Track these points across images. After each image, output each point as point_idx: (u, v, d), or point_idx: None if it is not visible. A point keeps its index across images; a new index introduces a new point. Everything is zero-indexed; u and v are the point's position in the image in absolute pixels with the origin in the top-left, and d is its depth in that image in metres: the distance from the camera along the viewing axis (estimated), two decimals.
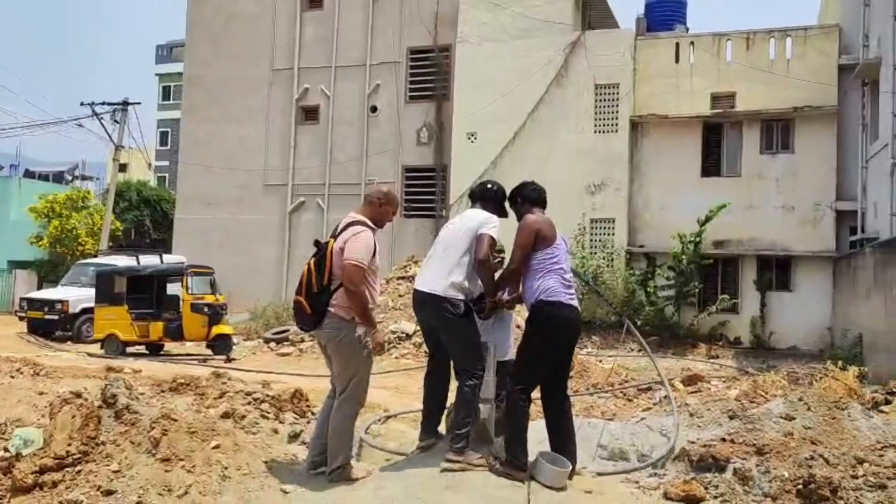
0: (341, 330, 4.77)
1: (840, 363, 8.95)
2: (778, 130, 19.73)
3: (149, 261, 18.07)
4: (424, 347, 15.01)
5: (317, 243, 4.98)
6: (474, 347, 4.96)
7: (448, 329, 4.98)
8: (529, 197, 5.16)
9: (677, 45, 20.37)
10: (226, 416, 6.12)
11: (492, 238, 4.94)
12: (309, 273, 4.84)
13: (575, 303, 4.90)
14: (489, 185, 5.40)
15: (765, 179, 19.65)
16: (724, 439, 5.28)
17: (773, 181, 19.58)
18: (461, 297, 4.94)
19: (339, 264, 4.76)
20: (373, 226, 4.91)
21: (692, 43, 20.38)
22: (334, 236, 4.94)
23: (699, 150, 20.14)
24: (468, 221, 5.09)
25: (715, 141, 20.29)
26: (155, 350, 16.10)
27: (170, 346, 16.53)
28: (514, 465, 4.73)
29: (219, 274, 17.14)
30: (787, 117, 19.44)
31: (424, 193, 23.10)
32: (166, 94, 55.06)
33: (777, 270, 19.68)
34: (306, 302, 4.81)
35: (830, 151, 19.14)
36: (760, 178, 19.67)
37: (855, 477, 4.69)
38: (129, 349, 15.51)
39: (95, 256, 24.56)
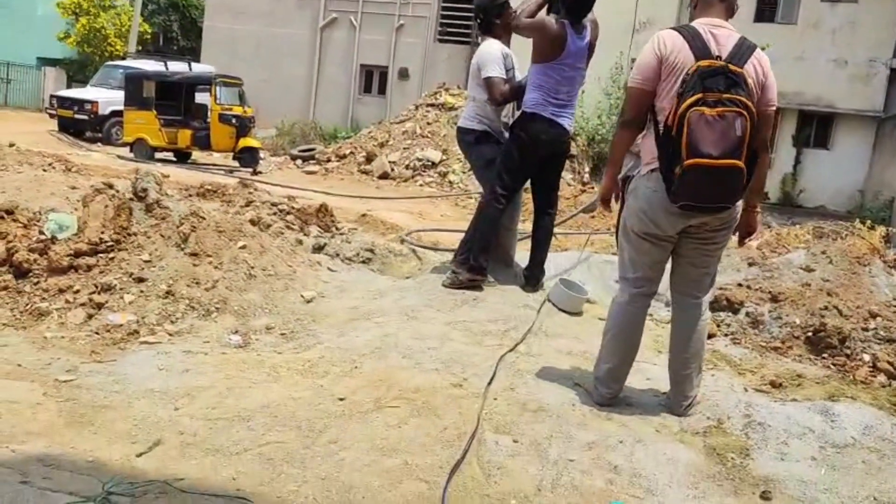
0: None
1: (868, 223, 8.85)
2: None
3: (177, 67, 17.80)
4: (449, 177, 14.95)
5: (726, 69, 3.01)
6: (490, 167, 4.95)
7: (466, 155, 5.48)
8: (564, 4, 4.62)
9: None
10: (252, 223, 6.21)
11: (494, 80, 4.85)
12: (744, 122, 2.95)
13: (561, 121, 4.72)
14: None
15: (820, 30, 18.63)
16: (740, 284, 5.33)
17: (830, 32, 18.56)
18: (474, 126, 5.08)
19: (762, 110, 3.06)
20: None
21: None
22: (713, 57, 3.01)
23: None
24: (476, 60, 5.03)
25: None
26: (183, 158, 16.24)
27: (197, 155, 16.65)
28: (473, 267, 4.76)
29: (247, 87, 16.91)
30: None
31: (461, 18, 22.16)
32: None
33: (817, 127, 19.12)
34: (746, 168, 3.02)
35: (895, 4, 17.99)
36: (816, 28, 18.65)
37: (865, 329, 4.73)
38: (158, 155, 15.65)
39: (124, 59, 24.20)
